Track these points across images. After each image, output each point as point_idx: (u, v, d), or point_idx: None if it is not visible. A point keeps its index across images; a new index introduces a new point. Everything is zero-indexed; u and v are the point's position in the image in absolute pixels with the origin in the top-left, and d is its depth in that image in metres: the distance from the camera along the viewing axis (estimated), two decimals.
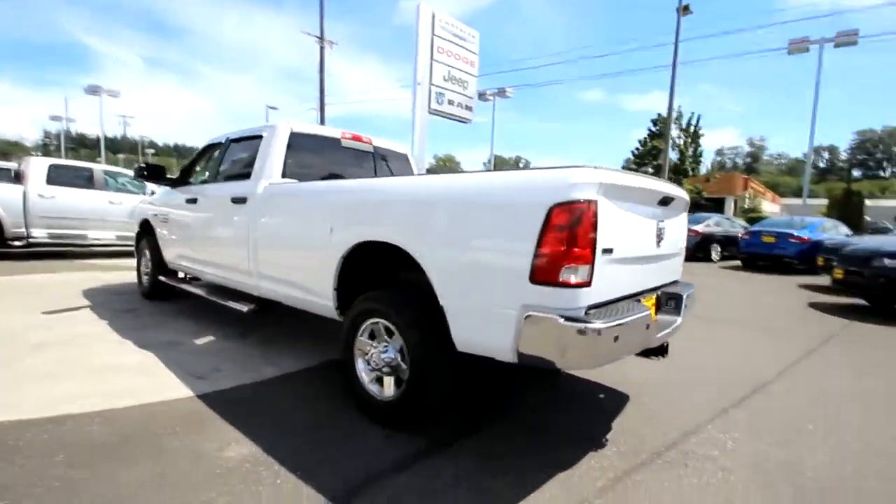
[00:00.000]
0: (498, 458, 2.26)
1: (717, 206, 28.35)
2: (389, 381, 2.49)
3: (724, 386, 3.39)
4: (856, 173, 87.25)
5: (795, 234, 11.41)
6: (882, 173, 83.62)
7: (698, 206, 22.93)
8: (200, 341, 3.81)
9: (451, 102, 14.55)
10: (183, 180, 4.72)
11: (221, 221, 3.80)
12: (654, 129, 31.27)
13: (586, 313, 1.88)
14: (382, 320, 2.48)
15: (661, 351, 2.79)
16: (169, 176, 4.69)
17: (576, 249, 1.81)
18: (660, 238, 2.44)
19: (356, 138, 4.12)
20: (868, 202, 36.90)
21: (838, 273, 6.66)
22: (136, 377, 2.99)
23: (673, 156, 30.99)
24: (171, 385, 2.89)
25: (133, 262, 5.77)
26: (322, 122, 29.44)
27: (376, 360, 2.50)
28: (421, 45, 13.28)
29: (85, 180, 8.17)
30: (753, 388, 3.41)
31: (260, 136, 3.71)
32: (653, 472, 2.22)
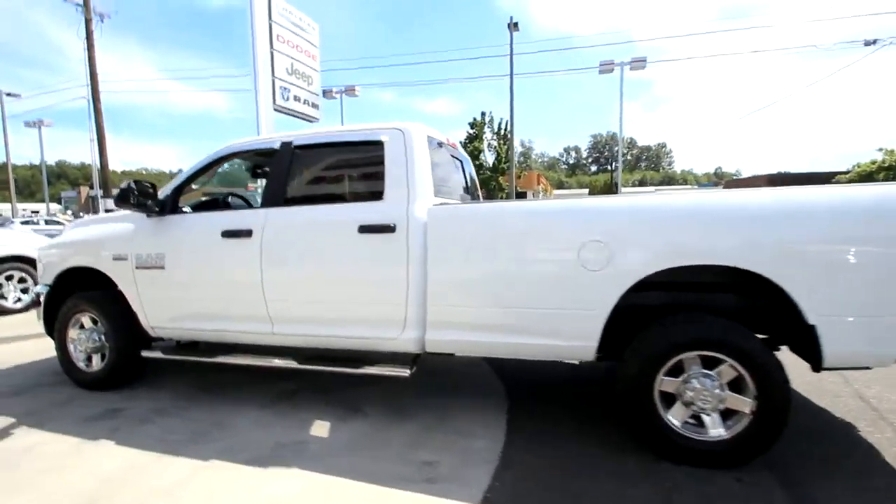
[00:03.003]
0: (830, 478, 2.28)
1: (522, 198, 32.97)
2: (714, 420, 2.26)
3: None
4: (593, 168, 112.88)
5: None
6: (609, 168, 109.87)
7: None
8: (320, 432, 2.70)
9: (297, 99, 13.40)
10: (173, 206, 3.20)
11: (337, 259, 2.74)
12: (471, 131, 34.28)
13: None
14: (705, 352, 2.23)
15: None
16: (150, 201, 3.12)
17: None
18: None
19: (452, 144, 3.49)
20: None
21: None
22: None
23: (490, 157, 34.66)
24: None
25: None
26: (97, 113, 23.36)
27: (703, 399, 2.24)
28: (258, 31, 11.75)
29: None
30: None
31: (376, 143, 2.82)
32: None
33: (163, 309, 3.17)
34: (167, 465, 2.36)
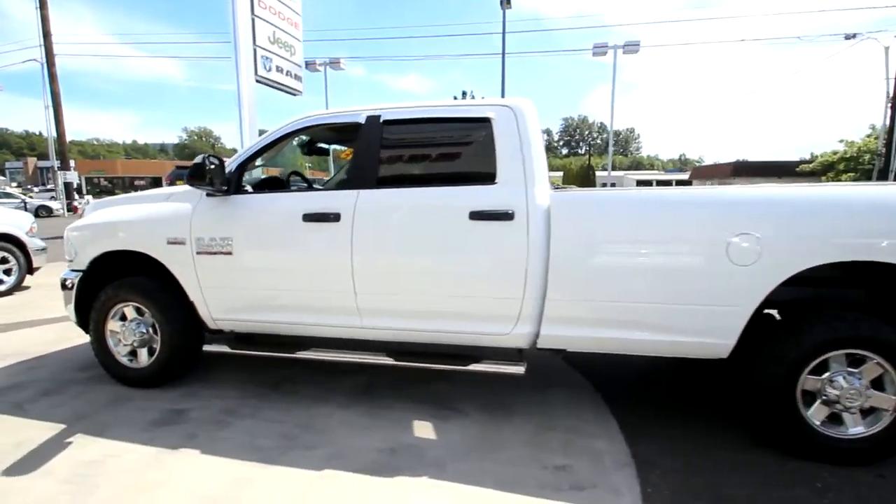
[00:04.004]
0: None
1: None
2: (855, 417, 2.22)
3: None
4: (564, 151, 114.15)
5: None
6: (579, 151, 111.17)
7: None
8: (425, 434, 2.50)
9: (279, 70, 12.61)
10: (238, 185, 2.84)
11: (443, 248, 2.50)
12: None
13: None
14: (853, 350, 2.16)
15: None
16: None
17: None
18: None
19: None
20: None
21: None
22: None
23: None
24: None
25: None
26: (52, 78, 21.55)
27: (849, 397, 2.18)
28: None
29: None
30: None
31: (482, 120, 2.56)
32: None
33: (229, 299, 2.85)
34: (276, 477, 2.11)
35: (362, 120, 2.73)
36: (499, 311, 2.49)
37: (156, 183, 49.55)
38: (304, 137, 3.32)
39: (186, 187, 2.99)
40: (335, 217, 2.60)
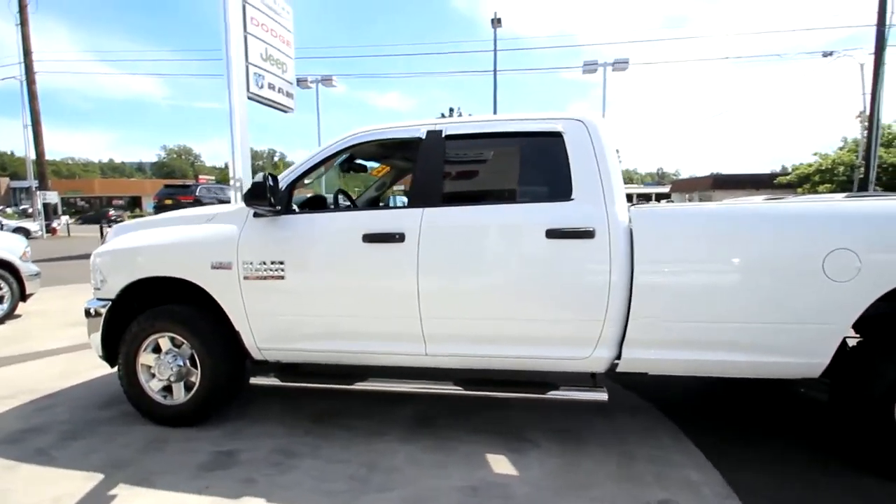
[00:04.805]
0: None
1: None
2: None
3: None
4: None
5: None
6: None
7: None
8: (504, 470, 2.32)
9: (271, 87, 12.50)
10: (288, 204, 2.67)
11: (519, 268, 2.37)
12: None
13: None
14: None
15: None
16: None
17: None
18: None
19: None
20: None
21: None
22: None
23: None
24: None
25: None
26: (32, 97, 21.02)
27: None
28: (231, 12, 10.88)
29: None
30: None
31: (552, 134, 2.46)
32: None
33: (279, 327, 2.64)
34: None
35: (422, 135, 2.60)
36: (578, 335, 2.36)
37: (135, 202, 48.45)
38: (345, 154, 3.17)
39: (229, 207, 2.82)
40: (399, 237, 2.44)
